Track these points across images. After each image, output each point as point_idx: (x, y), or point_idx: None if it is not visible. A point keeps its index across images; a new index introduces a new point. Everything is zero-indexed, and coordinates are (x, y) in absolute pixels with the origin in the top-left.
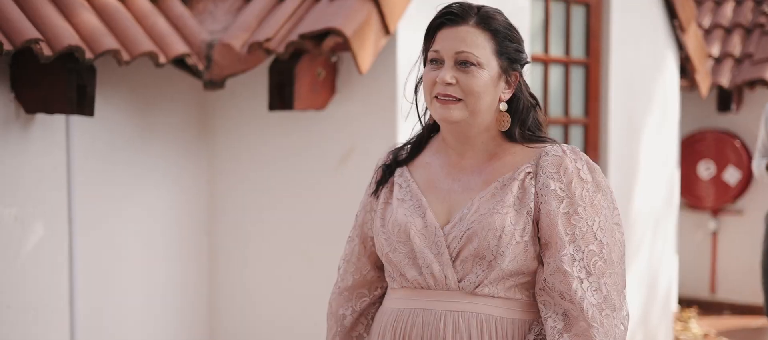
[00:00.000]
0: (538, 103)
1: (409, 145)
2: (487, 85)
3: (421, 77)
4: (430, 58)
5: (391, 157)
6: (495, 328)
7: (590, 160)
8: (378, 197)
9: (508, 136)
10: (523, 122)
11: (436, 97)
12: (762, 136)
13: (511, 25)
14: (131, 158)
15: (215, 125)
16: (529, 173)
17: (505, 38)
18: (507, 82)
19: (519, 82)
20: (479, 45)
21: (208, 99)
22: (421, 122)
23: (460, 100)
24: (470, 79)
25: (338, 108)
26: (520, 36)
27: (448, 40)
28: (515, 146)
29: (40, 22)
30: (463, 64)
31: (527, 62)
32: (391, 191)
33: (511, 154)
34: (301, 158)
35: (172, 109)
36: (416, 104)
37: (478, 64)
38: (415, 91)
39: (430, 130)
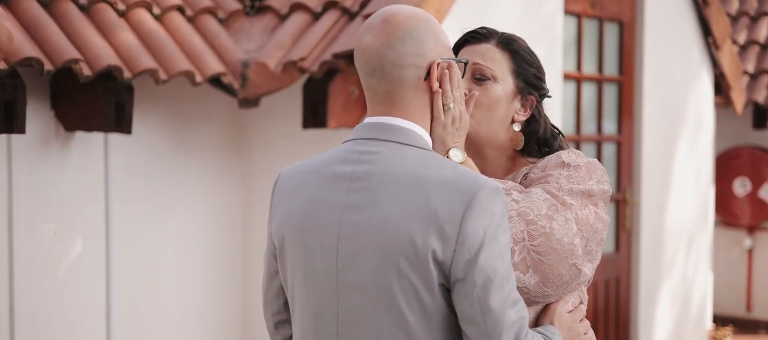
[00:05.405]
0: (560, 134)
1: None
2: (499, 99)
3: None
4: None
5: None
6: None
7: (586, 160)
8: None
9: (524, 155)
10: (540, 144)
11: None
12: None
13: (531, 51)
14: (168, 175)
15: (250, 143)
16: (525, 173)
17: (523, 60)
18: (522, 104)
19: (536, 107)
20: (496, 60)
21: (243, 117)
22: None
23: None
24: (482, 91)
25: None
26: (540, 65)
27: (467, 54)
28: (528, 162)
29: (80, 42)
30: (479, 79)
31: (548, 96)
32: None
33: (522, 168)
34: None
35: (208, 127)
36: None
37: (493, 78)
38: None
39: None
